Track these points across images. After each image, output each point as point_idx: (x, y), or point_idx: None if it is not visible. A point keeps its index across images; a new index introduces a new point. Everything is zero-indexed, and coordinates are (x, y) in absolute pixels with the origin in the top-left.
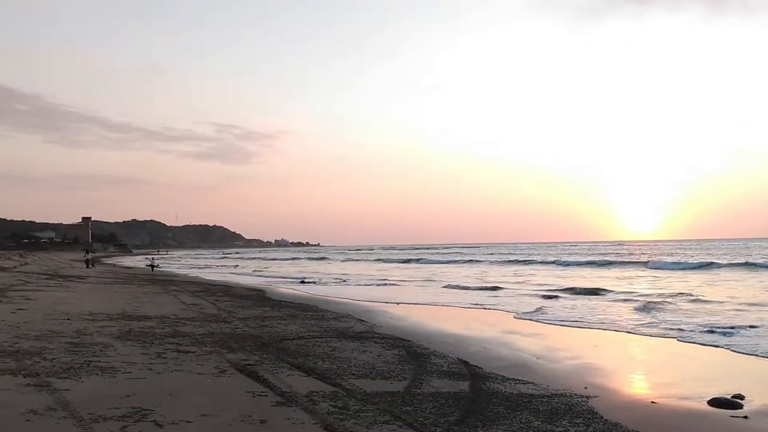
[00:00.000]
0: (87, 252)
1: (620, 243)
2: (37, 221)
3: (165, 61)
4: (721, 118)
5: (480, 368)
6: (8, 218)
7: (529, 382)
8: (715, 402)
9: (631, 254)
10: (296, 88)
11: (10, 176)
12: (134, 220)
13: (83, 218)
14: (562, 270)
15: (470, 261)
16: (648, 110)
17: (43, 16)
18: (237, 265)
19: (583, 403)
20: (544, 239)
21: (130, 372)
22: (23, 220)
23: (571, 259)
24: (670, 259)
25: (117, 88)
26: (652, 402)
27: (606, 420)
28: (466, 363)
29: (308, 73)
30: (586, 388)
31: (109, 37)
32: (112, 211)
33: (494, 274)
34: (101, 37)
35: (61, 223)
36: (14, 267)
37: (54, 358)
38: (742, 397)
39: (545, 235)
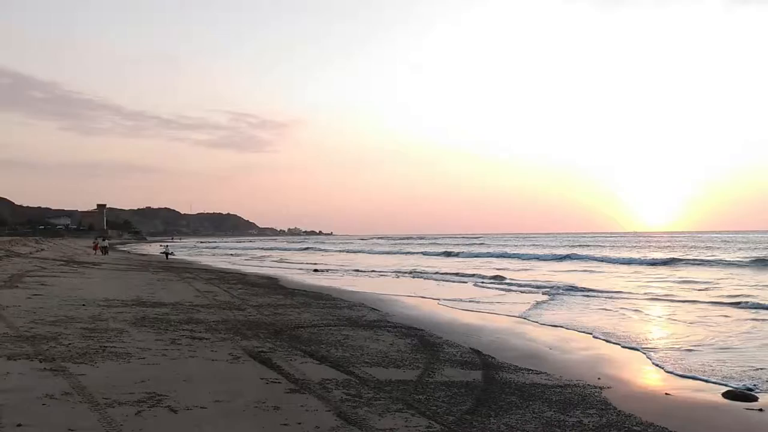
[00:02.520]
0: (103, 239)
1: (635, 234)
2: (52, 208)
3: (179, 49)
4: (741, 109)
5: (493, 358)
6: (24, 205)
7: (542, 372)
8: (730, 394)
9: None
10: (310, 76)
11: (27, 163)
12: (149, 208)
13: (98, 205)
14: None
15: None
16: (667, 101)
17: (59, 4)
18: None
19: (596, 394)
20: (564, 230)
21: (144, 357)
22: (39, 207)
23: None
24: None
25: (132, 76)
26: (666, 394)
27: (620, 411)
28: (478, 352)
29: (322, 61)
30: (599, 378)
31: (125, 25)
32: (126, 198)
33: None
34: (116, 26)
35: (77, 210)
36: (30, 253)
37: (70, 344)
38: (751, 390)
39: (565, 226)
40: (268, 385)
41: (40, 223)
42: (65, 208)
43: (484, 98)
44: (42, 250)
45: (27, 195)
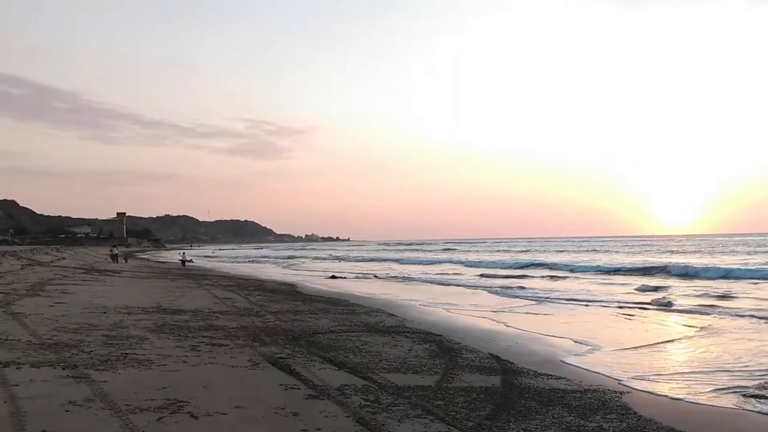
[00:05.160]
0: (115, 246)
1: (652, 236)
2: (73, 216)
3: (198, 58)
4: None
5: (512, 363)
6: (45, 213)
7: (562, 378)
8: (753, 398)
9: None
10: (326, 83)
11: (48, 172)
12: (167, 216)
13: (118, 213)
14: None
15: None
16: (691, 100)
17: (80, 16)
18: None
19: (616, 399)
20: (588, 234)
21: (165, 364)
22: (60, 216)
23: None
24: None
25: (151, 85)
26: (687, 398)
27: (640, 416)
28: (497, 358)
29: (338, 68)
30: (619, 383)
31: (143, 35)
32: (146, 206)
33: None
34: (135, 36)
35: (97, 219)
36: (51, 261)
37: (92, 351)
38: None
39: (590, 229)
40: (288, 391)
41: (61, 231)
42: (86, 217)
43: (503, 102)
44: (63, 258)
45: (48, 204)
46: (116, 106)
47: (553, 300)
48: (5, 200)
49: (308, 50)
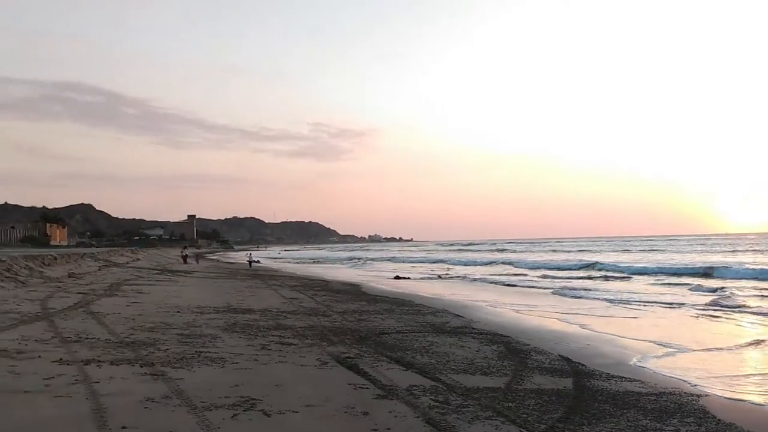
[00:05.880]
0: (184, 247)
1: (725, 235)
2: (146, 219)
3: (261, 64)
4: None
5: (583, 365)
6: (120, 217)
7: (636, 380)
8: None
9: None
10: (388, 85)
11: (122, 177)
12: (235, 218)
13: (188, 216)
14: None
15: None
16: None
17: (149, 25)
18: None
19: (693, 402)
20: (651, 233)
21: (237, 363)
22: (134, 219)
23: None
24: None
25: (216, 91)
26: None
27: (719, 420)
28: (568, 360)
29: (399, 69)
30: (696, 386)
31: (209, 42)
32: (214, 208)
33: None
34: (201, 44)
35: (169, 221)
36: (127, 263)
37: (167, 349)
38: None
39: (654, 228)
40: (357, 391)
41: (135, 233)
42: (158, 219)
43: (556, 104)
44: (138, 259)
45: (123, 207)
46: (183, 111)
47: (620, 301)
48: (83, 204)
49: (370, 54)
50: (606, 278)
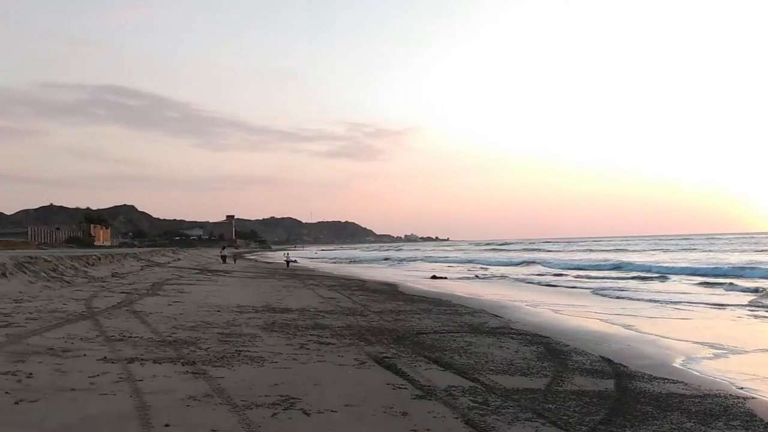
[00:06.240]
0: (223, 248)
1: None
2: (186, 220)
3: (298, 66)
4: None
5: (625, 366)
6: (162, 217)
7: (679, 382)
8: None
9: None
10: (423, 84)
11: (164, 179)
12: (272, 218)
13: (227, 216)
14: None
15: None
16: None
17: (191, 30)
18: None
19: (739, 405)
20: (689, 231)
21: (276, 362)
22: (175, 219)
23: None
24: None
25: (255, 93)
26: None
27: (767, 423)
28: (609, 361)
29: (434, 68)
30: (741, 388)
31: (247, 45)
32: (252, 209)
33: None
34: (240, 47)
35: (208, 222)
36: (168, 263)
37: (208, 348)
38: None
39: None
40: (395, 391)
41: (175, 234)
42: (198, 220)
43: (587, 107)
44: (178, 259)
45: (164, 208)
46: (223, 114)
47: (659, 301)
48: (125, 205)
49: (404, 52)
50: (642, 278)
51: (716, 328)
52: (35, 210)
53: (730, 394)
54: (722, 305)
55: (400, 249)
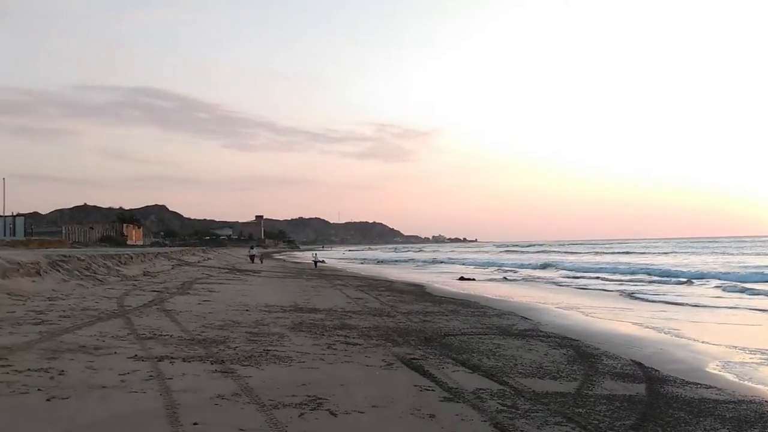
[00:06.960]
0: (252, 247)
1: None
2: (216, 220)
3: (325, 68)
4: None
5: (656, 371)
6: (192, 217)
7: (712, 387)
8: None
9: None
10: (451, 86)
11: (194, 179)
12: (301, 218)
13: (256, 216)
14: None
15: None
16: None
17: (221, 33)
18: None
19: None
20: (713, 234)
21: (304, 362)
22: (205, 219)
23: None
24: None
25: (284, 95)
26: None
27: None
28: (640, 365)
29: (461, 69)
30: None
31: (276, 48)
32: (281, 209)
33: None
34: (269, 49)
35: (237, 222)
36: (198, 262)
37: (237, 347)
38: None
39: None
40: (422, 393)
41: (206, 234)
42: (228, 220)
43: (610, 110)
44: (208, 259)
45: (194, 208)
46: (252, 115)
47: (689, 305)
48: (157, 205)
49: (431, 53)
50: (673, 282)
51: (749, 332)
52: (70, 209)
53: (766, 401)
54: (756, 309)
55: (429, 250)
